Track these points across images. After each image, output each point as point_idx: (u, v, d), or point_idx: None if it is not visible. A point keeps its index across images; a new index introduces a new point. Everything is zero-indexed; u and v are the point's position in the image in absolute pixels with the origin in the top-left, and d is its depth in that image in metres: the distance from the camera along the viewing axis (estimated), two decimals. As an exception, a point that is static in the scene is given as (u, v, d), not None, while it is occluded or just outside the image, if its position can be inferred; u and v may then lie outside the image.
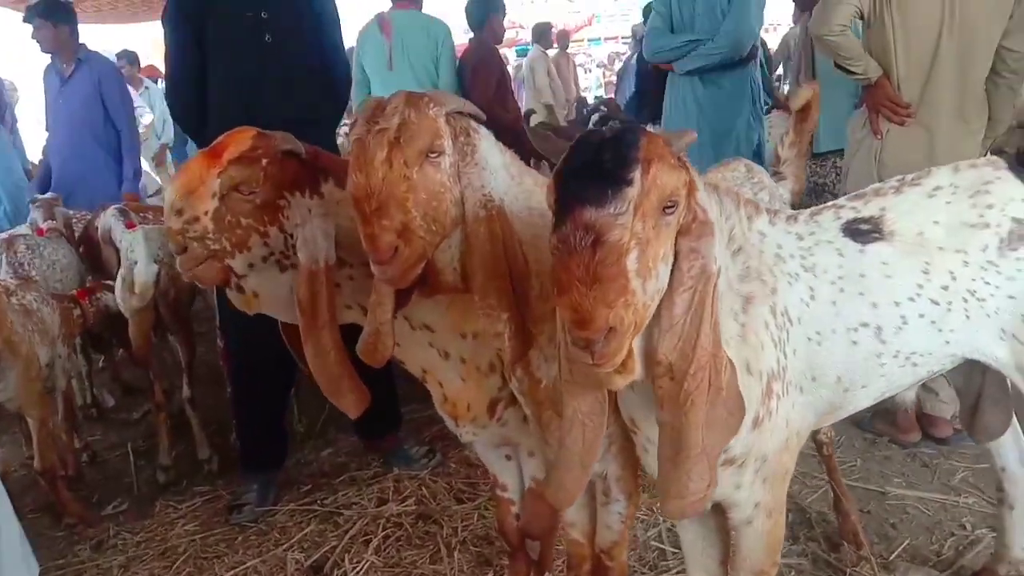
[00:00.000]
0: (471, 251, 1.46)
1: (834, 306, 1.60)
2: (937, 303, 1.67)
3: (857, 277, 1.63)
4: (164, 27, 2.84)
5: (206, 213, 1.57)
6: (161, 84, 9.33)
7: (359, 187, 1.32)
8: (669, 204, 1.13)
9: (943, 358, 1.75)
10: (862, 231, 1.68)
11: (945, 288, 1.67)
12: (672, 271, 1.18)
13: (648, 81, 5.95)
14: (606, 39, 17.50)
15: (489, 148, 1.50)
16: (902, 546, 2.54)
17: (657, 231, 1.12)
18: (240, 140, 1.59)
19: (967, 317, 1.70)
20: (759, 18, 4.25)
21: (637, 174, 1.09)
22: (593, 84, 15.15)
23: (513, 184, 1.54)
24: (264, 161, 1.60)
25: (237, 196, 1.59)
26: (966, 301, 1.69)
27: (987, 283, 1.70)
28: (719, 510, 1.66)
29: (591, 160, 1.12)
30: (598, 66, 16.13)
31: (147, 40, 10.54)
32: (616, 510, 1.80)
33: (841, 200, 1.79)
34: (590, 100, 9.84)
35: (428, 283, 1.47)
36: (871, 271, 1.64)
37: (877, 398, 1.77)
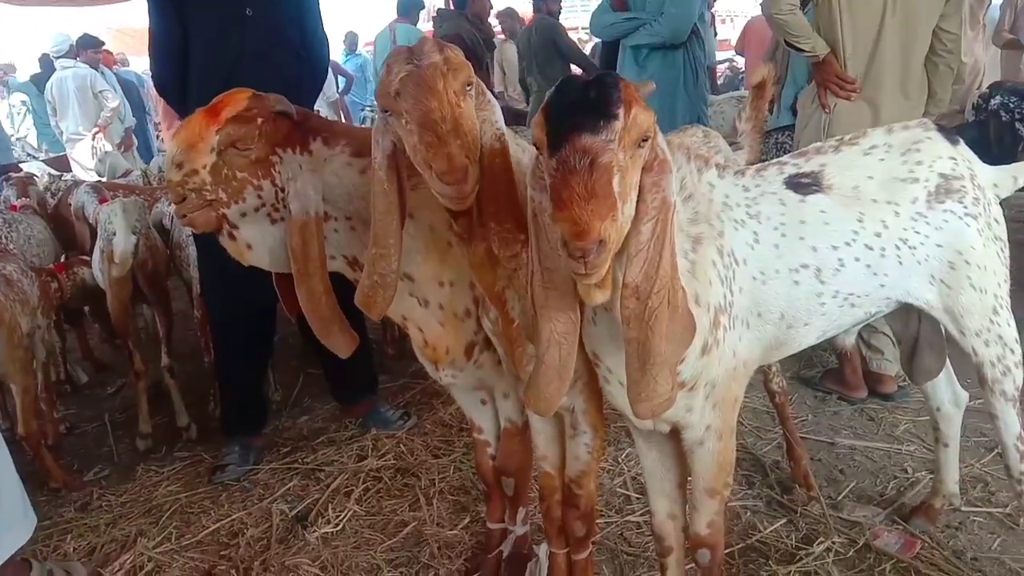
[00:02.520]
0: (490, 179, 1.54)
1: (777, 249, 1.77)
2: (871, 248, 1.84)
3: (798, 223, 1.80)
4: (148, 2, 2.91)
5: (204, 167, 1.70)
6: (118, 68, 9.46)
7: (433, 111, 1.40)
8: (643, 139, 1.30)
9: (879, 300, 1.92)
10: (803, 184, 1.85)
11: (878, 235, 1.85)
12: (637, 204, 1.33)
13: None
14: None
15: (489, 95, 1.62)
16: (849, 488, 2.74)
17: (633, 161, 1.29)
18: (237, 100, 1.72)
19: (900, 263, 1.88)
20: (697, 4, 4.47)
21: (621, 111, 1.26)
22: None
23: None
24: (259, 120, 1.72)
25: (233, 151, 1.71)
26: (898, 248, 1.87)
27: (917, 232, 1.88)
28: (675, 435, 1.82)
29: (580, 98, 1.28)
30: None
31: (103, 28, 10.53)
32: (583, 441, 1.94)
33: (785, 157, 1.96)
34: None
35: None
36: (811, 218, 1.81)
37: (820, 337, 1.94)
